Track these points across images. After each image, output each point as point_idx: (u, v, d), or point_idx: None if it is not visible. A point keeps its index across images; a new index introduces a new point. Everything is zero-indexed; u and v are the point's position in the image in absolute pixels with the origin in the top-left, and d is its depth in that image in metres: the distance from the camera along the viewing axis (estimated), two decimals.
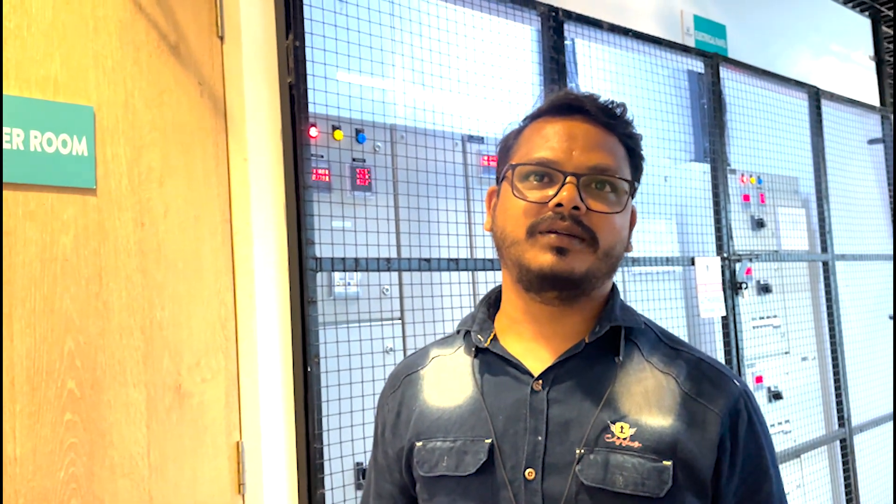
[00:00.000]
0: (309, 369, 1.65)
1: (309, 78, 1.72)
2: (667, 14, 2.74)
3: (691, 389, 0.87)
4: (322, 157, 1.84)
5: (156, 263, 1.57)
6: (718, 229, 2.73)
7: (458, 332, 0.98)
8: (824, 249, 3.27)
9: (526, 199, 0.86)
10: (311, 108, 1.73)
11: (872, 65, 3.96)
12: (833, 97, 3.46)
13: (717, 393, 0.87)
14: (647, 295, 2.58)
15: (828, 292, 3.26)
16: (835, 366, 3.23)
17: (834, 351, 3.23)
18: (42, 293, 1.44)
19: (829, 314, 3.25)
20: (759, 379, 2.94)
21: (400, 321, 2.00)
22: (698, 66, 2.82)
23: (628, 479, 0.82)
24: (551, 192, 0.85)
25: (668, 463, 0.82)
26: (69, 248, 1.47)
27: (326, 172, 1.85)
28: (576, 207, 0.84)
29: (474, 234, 2.16)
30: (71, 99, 1.49)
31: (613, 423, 0.84)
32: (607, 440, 0.83)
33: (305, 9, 1.73)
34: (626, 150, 0.91)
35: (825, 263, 3.27)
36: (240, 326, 1.68)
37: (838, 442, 3.22)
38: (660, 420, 0.84)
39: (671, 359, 0.90)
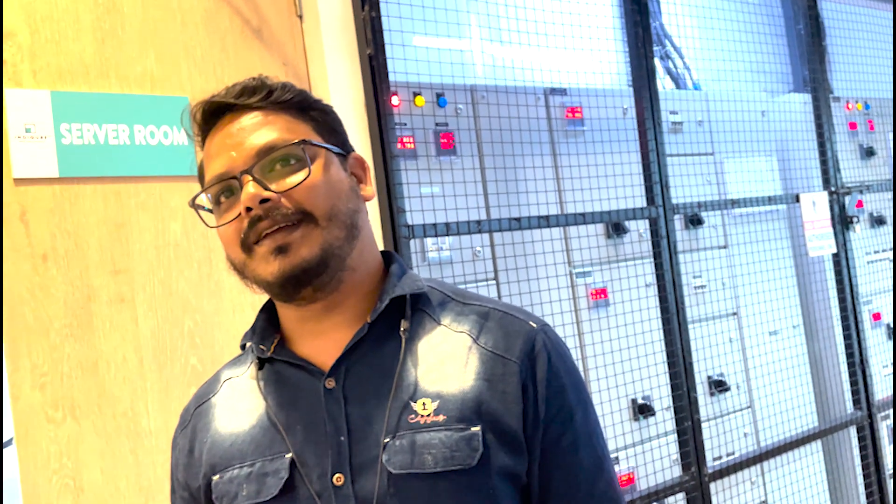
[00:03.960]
0: None
1: (387, 47, 1.73)
2: None
3: (487, 343, 0.81)
4: (405, 124, 1.86)
5: None
6: (824, 162, 2.58)
7: (243, 347, 0.89)
8: None
9: (222, 222, 0.80)
10: (391, 77, 1.75)
11: None
12: None
13: (511, 340, 0.81)
14: (749, 237, 2.48)
15: None
16: None
17: None
18: (159, 277, 1.53)
19: None
20: (876, 316, 2.78)
21: (494, 282, 2.01)
22: None
23: (437, 456, 0.76)
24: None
25: (476, 428, 0.77)
26: (179, 233, 1.55)
27: (411, 139, 1.86)
28: (264, 200, 0.77)
29: (563, 189, 2.13)
30: (167, 91, 1.56)
31: (415, 401, 0.78)
32: (411, 421, 0.77)
33: None
34: (294, 112, 0.83)
35: None
36: None
37: None
38: (461, 384, 0.79)
39: (463, 315, 0.84)
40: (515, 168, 2.04)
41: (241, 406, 0.85)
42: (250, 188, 0.77)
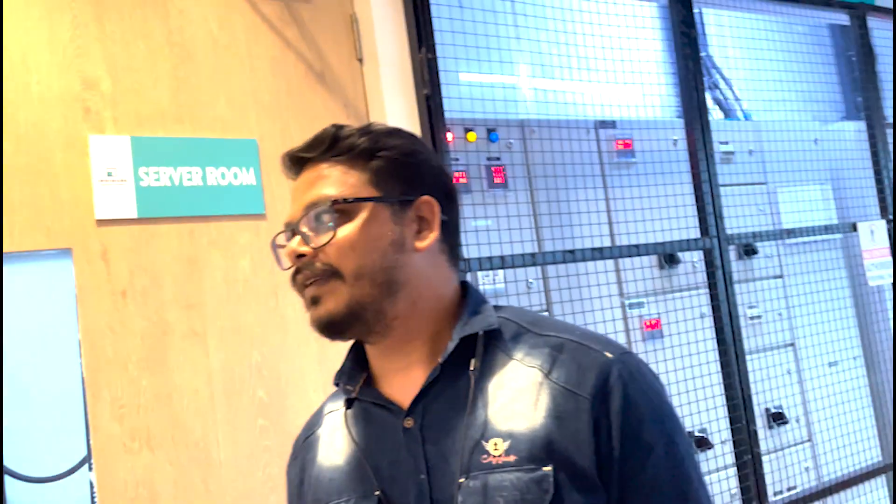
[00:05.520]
0: None
1: (441, 86, 1.78)
2: None
3: (558, 377, 0.80)
4: (457, 160, 1.91)
5: None
6: (881, 190, 2.54)
7: (336, 384, 0.93)
8: None
9: (284, 267, 0.86)
10: (445, 115, 1.80)
11: None
12: None
13: (584, 374, 0.80)
14: (804, 267, 2.45)
15: None
16: None
17: None
18: (228, 312, 1.59)
19: None
20: None
21: (547, 314, 2.03)
22: (842, 19, 2.63)
23: (509, 498, 0.76)
24: None
25: (547, 469, 0.76)
26: (248, 269, 1.62)
27: (463, 174, 1.91)
28: (300, 255, 0.82)
29: (615, 222, 2.15)
30: (237, 134, 1.64)
31: (486, 440, 0.79)
32: (483, 461, 0.78)
33: (434, 21, 1.79)
34: (355, 161, 0.85)
35: None
36: None
37: None
38: (531, 423, 0.78)
39: (537, 349, 0.83)
40: (568, 201, 2.06)
41: (337, 441, 0.90)
42: (292, 243, 0.83)
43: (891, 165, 2.57)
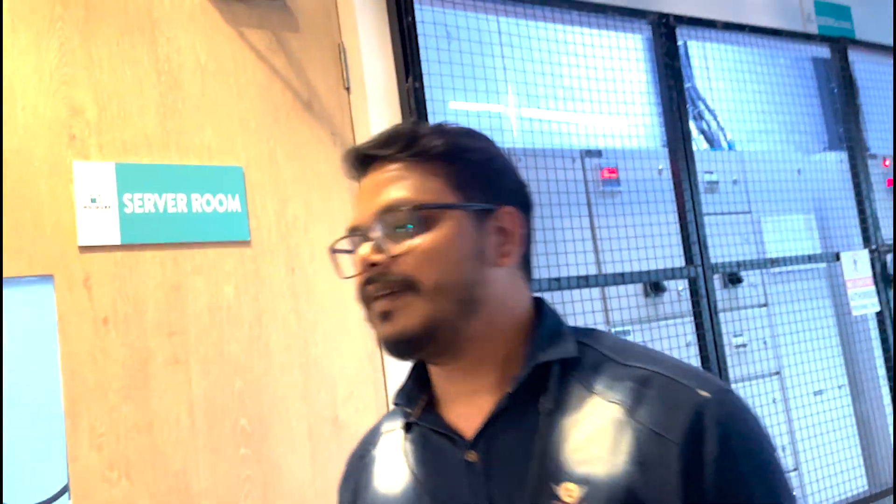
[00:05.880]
0: None
1: (429, 115, 1.79)
2: (784, 3, 2.63)
3: (643, 417, 0.70)
4: None
5: (307, 304, 1.69)
6: (863, 220, 2.57)
7: (397, 404, 0.85)
8: None
9: (348, 275, 0.78)
10: None
11: None
12: None
13: (673, 414, 0.70)
14: (789, 296, 2.46)
15: None
16: None
17: None
18: (212, 339, 1.58)
19: None
20: None
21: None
22: (823, 52, 2.68)
23: None
24: None
25: None
26: (232, 296, 1.61)
27: None
28: (373, 264, 0.74)
29: (601, 250, 2.16)
30: (223, 161, 1.64)
31: (558, 484, 0.70)
32: None
33: (422, 50, 1.81)
34: (435, 163, 0.77)
35: None
36: (385, 357, 1.77)
37: None
38: (610, 468, 0.69)
39: (619, 381, 0.74)
40: (554, 229, 2.07)
41: (394, 467, 0.84)
42: (363, 250, 0.76)
43: (873, 195, 2.60)
